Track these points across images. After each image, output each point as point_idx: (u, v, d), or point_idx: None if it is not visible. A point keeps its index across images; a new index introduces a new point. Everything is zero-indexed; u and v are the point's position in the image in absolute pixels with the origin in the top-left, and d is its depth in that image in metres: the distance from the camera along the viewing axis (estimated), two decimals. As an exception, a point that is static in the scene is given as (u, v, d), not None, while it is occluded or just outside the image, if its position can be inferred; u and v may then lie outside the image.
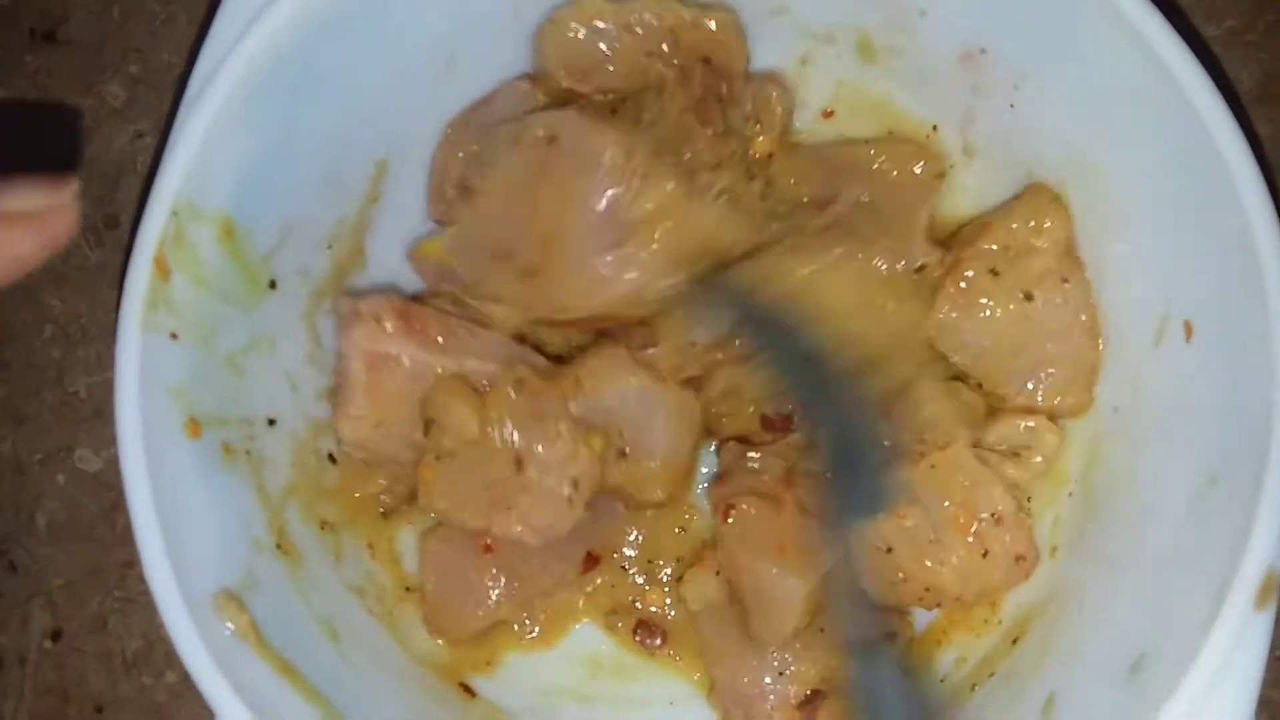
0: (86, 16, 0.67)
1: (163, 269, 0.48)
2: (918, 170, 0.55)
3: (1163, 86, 0.45)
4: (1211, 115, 0.44)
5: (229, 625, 0.46)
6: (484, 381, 0.53)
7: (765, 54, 0.58)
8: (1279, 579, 0.41)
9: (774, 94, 0.57)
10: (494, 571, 0.56)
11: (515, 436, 0.51)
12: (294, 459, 0.54)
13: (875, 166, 0.55)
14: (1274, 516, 0.41)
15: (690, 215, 0.51)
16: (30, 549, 0.62)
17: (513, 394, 0.52)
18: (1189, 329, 0.47)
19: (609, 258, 0.51)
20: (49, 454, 0.63)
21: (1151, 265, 0.49)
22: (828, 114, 0.60)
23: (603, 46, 0.54)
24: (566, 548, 0.56)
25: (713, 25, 0.54)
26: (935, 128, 0.58)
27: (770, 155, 0.57)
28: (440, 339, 0.53)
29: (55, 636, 0.62)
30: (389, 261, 0.59)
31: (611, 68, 0.54)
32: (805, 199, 0.56)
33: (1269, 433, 0.42)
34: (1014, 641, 0.53)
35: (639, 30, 0.54)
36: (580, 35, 0.54)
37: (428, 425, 0.52)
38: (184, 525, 0.47)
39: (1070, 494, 0.54)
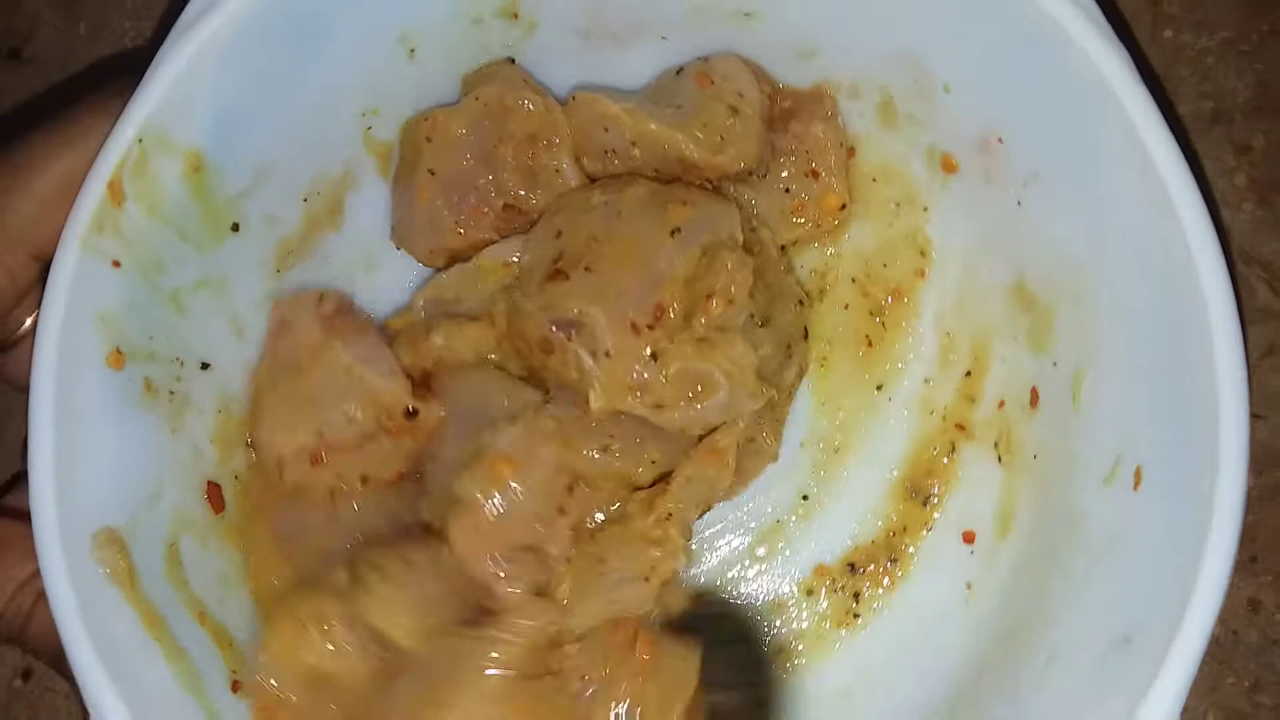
0: (52, 34, 0.66)
1: (117, 195, 0.47)
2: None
3: (1163, 217, 0.42)
4: (1205, 264, 0.41)
5: (104, 566, 0.45)
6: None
7: (789, 96, 0.56)
8: (1159, 762, 0.39)
9: (820, 130, 0.55)
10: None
11: None
12: (220, 406, 0.53)
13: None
14: (1168, 697, 0.39)
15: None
16: (-2, 586, 0.61)
17: None
18: (1139, 476, 0.45)
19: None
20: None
21: (1118, 401, 0.47)
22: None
23: (613, 147, 0.53)
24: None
25: (720, 161, 0.52)
26: (940, 205, 0.56)
27: (843, 207, 0.55)
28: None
29: (25, 676, 0.61)
30: (367, 224, 0.57)
31: (618, 163, 0.53)
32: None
33: (1184, 609, 0.39)
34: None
35: (637, 152, 0.53)
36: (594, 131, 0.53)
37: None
38: (82, 453, 0.46)
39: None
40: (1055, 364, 0.51)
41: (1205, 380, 0.41)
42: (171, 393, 0.51)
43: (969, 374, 0.56)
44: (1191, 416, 0.42)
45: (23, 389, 0.49)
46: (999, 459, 0.55)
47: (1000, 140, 0.50)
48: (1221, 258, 0.41)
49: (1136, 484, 0.45)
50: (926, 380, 0.57)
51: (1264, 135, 0.60)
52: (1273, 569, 0.57)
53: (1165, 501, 0.43)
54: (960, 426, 0.56)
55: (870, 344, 0.57)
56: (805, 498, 0.58)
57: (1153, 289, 0.44)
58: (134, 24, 0.66)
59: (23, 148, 0.48)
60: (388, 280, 0.58)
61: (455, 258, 0.56)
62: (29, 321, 0.50)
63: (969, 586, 0.55)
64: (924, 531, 0.56)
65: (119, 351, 0.48)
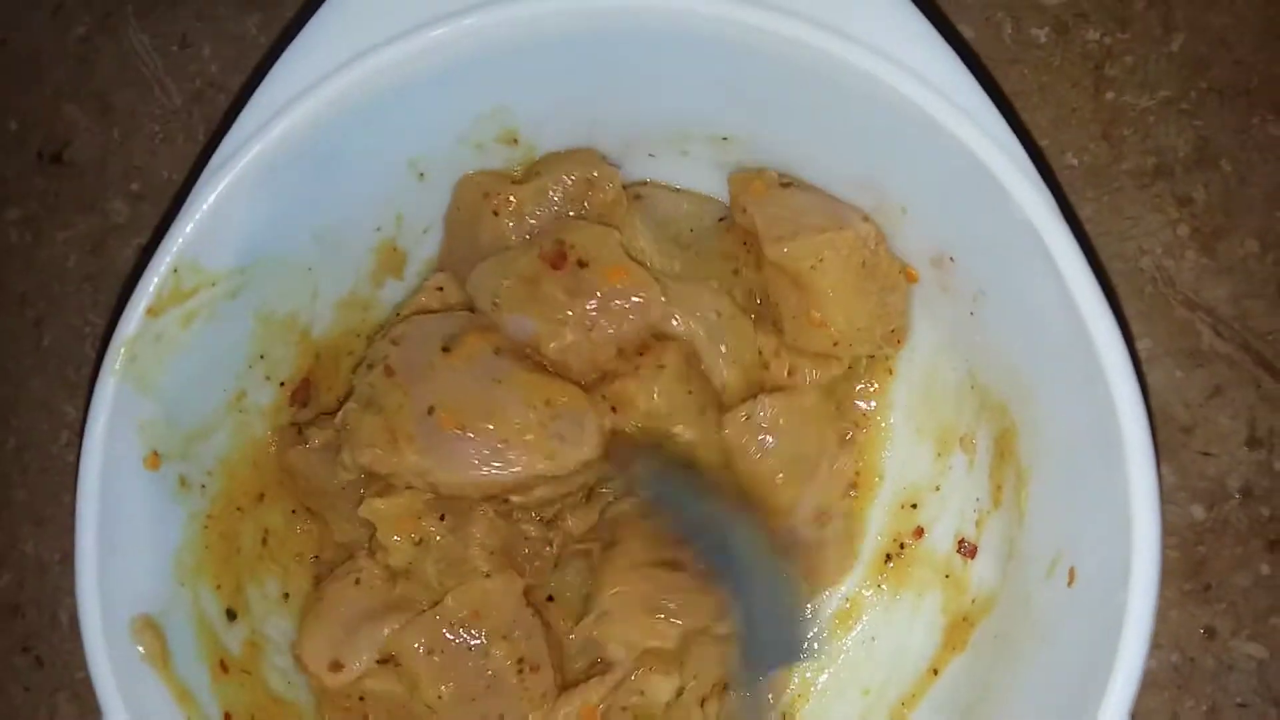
0: (89, 138, 0.73)
1: (155, 318, 0.53)
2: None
3: (1083, 348, 0.47)
4: (1121, 396, 0.45)
5: (139, 648, 0.51)
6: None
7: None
8: None
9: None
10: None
11: None
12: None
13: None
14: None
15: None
16: (54, 644, 0.67)
17: None
18: (1073, 575, 0.49)
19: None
20: (68, 554, 0.63)
21: (1057, 502, 0.51)
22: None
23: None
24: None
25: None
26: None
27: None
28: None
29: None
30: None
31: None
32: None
33: (1099, 705, 0.43)
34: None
35: None
36: None
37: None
38: (122, 546, 0.51)
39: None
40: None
41: (1121, 501, 0.45)
42: (203, 485, 0.56)
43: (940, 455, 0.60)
44: (1110, 529, 0.46)
45: None
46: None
47: (952, 259, 0.54)
48: (1137, 389, 0.45)
49: (1070, 581, 0.49)
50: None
51: (1204, 187, 0.64)
52: (1225, 597, 0.61)
53: (1090, 602, 0.47)
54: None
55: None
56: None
57: (1079, 407, 0.48)
58: (163, 126, 0.73)
59: None
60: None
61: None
62: None
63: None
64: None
65: (156, 454, 0.53)
